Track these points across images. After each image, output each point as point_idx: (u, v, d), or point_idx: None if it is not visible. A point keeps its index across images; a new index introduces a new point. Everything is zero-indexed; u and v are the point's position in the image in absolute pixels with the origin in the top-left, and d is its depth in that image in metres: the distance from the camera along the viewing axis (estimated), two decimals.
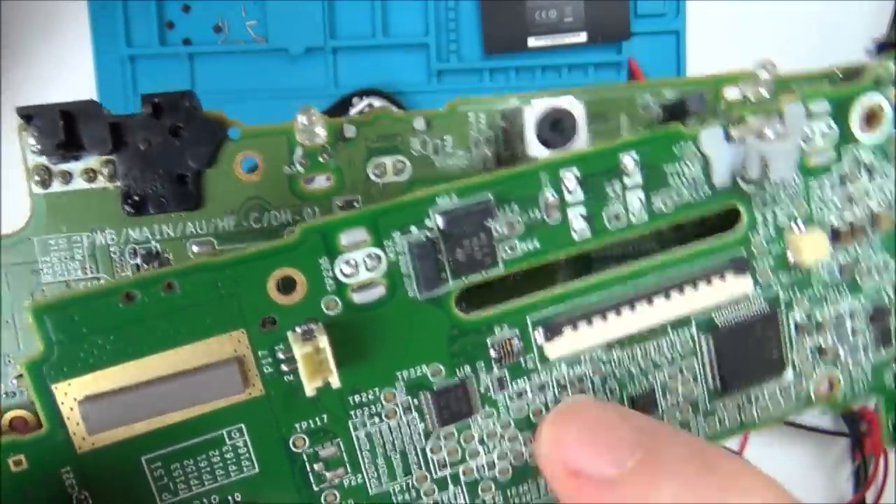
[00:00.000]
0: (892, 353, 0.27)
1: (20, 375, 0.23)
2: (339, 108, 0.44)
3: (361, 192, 0.25)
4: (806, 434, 0.48)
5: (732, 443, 0.43)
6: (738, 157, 0.23)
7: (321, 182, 0.25)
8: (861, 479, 0.49)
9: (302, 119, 0.22)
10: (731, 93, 0.26)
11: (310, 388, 0.20)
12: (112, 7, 0.43)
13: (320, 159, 0.25)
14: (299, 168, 0.24)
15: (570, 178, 0.23)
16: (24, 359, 0.20)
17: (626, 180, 0.23)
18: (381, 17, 0.43)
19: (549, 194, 0.23)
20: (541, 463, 0.22)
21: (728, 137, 0.23)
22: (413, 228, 0.22)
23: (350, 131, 0.25)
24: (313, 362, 0.20)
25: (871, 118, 0.25)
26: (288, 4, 0.43)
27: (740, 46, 0.47)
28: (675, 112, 0.26)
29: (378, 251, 0.22)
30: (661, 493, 0.18)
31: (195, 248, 0.24)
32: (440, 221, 0.22)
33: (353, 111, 0.43)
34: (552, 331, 0.23)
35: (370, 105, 0.43)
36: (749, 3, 0.46)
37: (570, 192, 0.23)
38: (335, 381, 0.21)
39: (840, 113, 0.25)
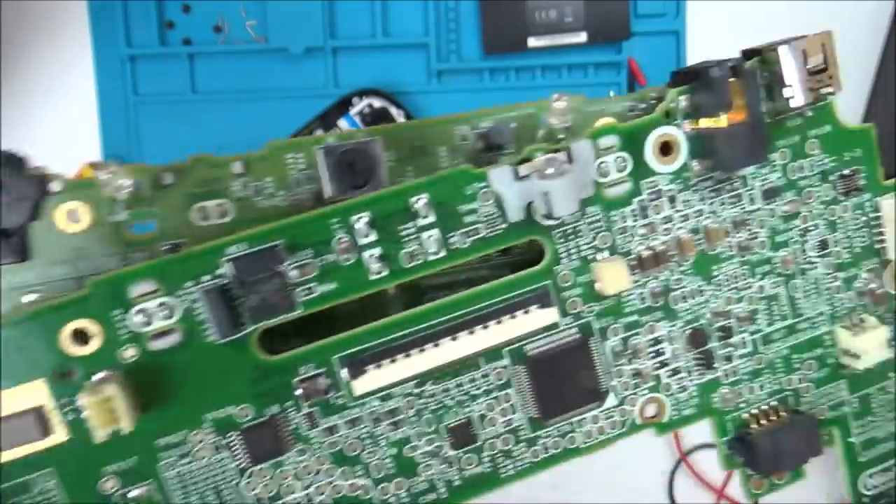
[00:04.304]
0: (717, 376, 0.28)
1: None
2: (339, 108, 0.44)
3: (188, 235, 0.26)
4: None
5: None
6: (527, 194, 0.24)
7: (146, 228, 0.26)
8: None
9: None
10: (553, 121, 0.27)
11: (99, 436, 0.22)
12: (112, 7, 0.43)
13: (142, 207, 0.26)
14: (123, 216, 0.26)
15: (360, 222, 0.24)
16: None
17: (420, 221, 0.24)
18: (381, 17, 0.43)
19: (341, 238, 0.24)
20: None
21: (517, 175, 0.24)
22: (206, 277, 0.23)
23: (168, 178, 0.26)
24: (104, 410, 0.22)
25: (666, 149, 0.26)
26: (288, 4, 0.43)
27: (740, 47, 0.47)
28: (492, 142, 0.27)
29: (171, 300, 0.23)
30: None
31: (29, 297, 0.25)
32: (230, 269, 0.23)
33: (353, 111, 0.43)
34: (355, 369, 0.24)
35: (370, 105, 0.43)
36: (749, 3, 0.47)
37: (362, 235, 0.24)
38: (125, 428, 0.22)
39: (634, 145, 0.25)
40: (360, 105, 0.43)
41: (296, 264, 0.24)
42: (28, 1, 0.43)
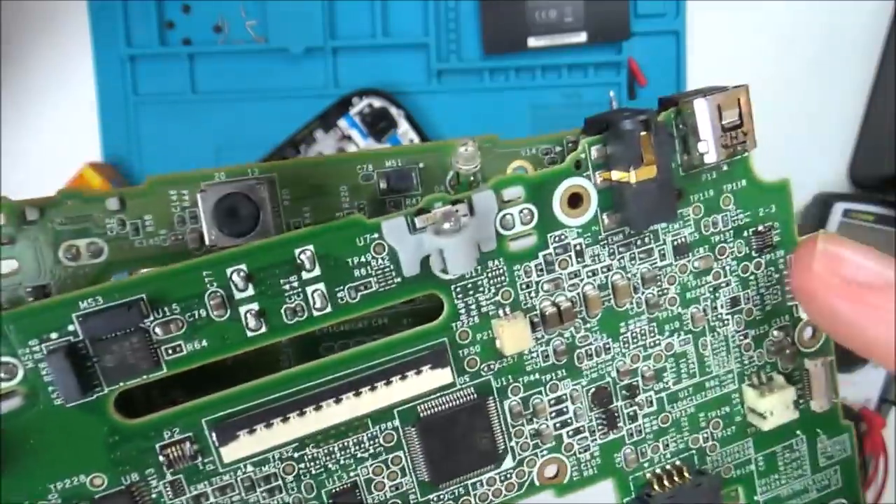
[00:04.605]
0: (621, 436, 0.26)
1: None
2: (339, 108, 0.44)
3: (54, 276, 0.23)
4: None
5: None
6: (423, 248, 0.22)
7: (5, 268, 0.23)
8: (861, 479, 0.49)
9: None
10: (460, 166, 0.25)
11: None
12: (112, 7, 0.42)
13: (1, 244, 0.23)
14: None
15: (236, 274, 0.21)
16: None
17: (304, 274, 0.22)
18: (381, 17, 0.43)
19: (214, 292, 0.21)
20: (811, 285, 0.23)
21: (412, 227, 0.22)
22: (53, 335, 0.20)
23: (32, 214, 0.23)
24: None
25: (576, 200, 0.24)
26: (288, 4, 0.43)
27: (740, 47, 0.47)
28: (394, 185, 0.25)
29: (12, 360, 0.20)
30: None
31: None
32: (80, 326, 0.20)
33: (353, 111, 0.43)
34: (225, 435, 0.22)
35: (370, 105, 0.42)
36: (749, 4, 0.46)
37: (238, 288, 0.22)
38: None
39: (542, 196, 0.24)
40: (360, 105, 0.43)
41: (160, 320, 0.21)
42: (28, 1, 0.43)
